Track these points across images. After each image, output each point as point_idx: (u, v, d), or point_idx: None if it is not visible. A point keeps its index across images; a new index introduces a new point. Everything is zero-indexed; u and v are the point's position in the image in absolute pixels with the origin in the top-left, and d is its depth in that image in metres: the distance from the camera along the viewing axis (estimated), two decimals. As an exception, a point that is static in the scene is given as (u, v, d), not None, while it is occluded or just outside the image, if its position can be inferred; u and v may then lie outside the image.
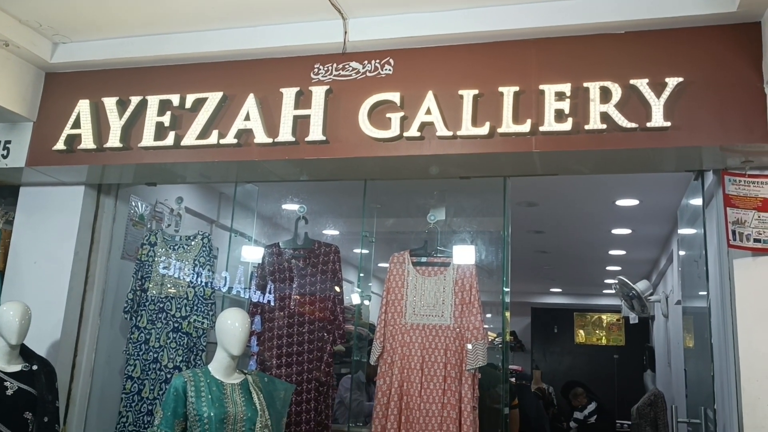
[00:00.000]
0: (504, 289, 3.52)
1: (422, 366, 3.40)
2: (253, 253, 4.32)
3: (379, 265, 4.12)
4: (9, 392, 3.12)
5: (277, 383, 3.17)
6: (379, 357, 3.48)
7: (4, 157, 3.67)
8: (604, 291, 9.17)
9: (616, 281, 6.92)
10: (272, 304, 3.74)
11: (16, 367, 3.22)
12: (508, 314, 3.52)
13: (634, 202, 5.02)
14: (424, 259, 3.59)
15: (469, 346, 3.37)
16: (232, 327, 3.01)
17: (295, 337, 3.65)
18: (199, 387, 2.92)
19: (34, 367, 3.25)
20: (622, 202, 5.05)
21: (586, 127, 2.92)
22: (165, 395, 2.94)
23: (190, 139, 3.41)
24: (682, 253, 4.49)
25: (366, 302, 4.65)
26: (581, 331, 9.91)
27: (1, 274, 3.84)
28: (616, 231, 5.96)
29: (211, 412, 2.84)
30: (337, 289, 3.71)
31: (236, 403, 2.93)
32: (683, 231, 4.23)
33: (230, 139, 3.34)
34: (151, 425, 3.64)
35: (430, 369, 3.39)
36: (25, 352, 3.30)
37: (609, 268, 7.68)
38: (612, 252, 6.88)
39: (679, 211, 4.27)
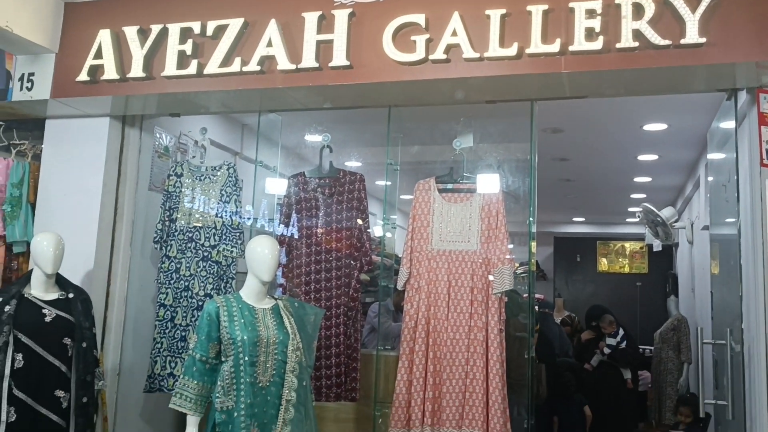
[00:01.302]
0: (530, 219, 3.49)
1: (449, 291, 3.44)
2: (277, 185, 4.33)
3: (402, 197, 4.11)
4: (48, 319, 3.22)
5: (307, 308, 3.23)
6: (406, 283, 3.53)
7: (29, 89, 3.68)
8: (628, 219, 9.12)
9: (641, 209, 6.87)
10: (298, 233, 3.78)
11: (53, 296, 3.31)
12: (534, 244, 3.52)
13: (662, 126, 4.93)
14: (450, 186, 3.58)
15: (495, 271, 3.39)
16: (261, 254, 3.04)
17: (323, 265, 3.69)
18: (231, 312, 2.98)
19: (70, 295, 3.34)
20: (649, 127, 4.96)
21: (618, 45, 2.84)
22: (199, 320, 3.02)
23: (212, 67, 3.38)
24: (710, 178, 4.43)
25: (388, 234, 4.68)
26: (604, 260, 9.93)
27: (32, 206, 3.90)
28: (642, 157, 5.88)
29: (244, 336, 2.91)
30: (363, 217, 3.72)
31: (268, 327, 2.99)
32: (712, 155, 4.16)
33: (253, 66, 3.30)
34: (185, 350, 3.76)
35: (457, 294, 3.43)
36: (60, 282, 3.38)
37: (633, 195, 7.61)
38: (637, 179, 6.80)
39: (708, 134, 4.18)
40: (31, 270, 3.34)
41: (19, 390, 3.08)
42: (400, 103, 3.57)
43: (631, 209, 8.30)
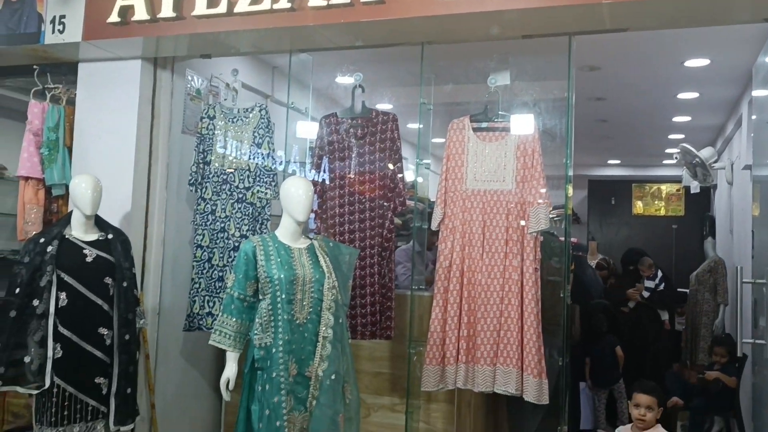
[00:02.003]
0: (567, 161, 3.41)
1: (483, 231, 3.42)
2: (309, 129, 4.30)
3: (435, 140, 4.05)
4: (89, 259, 3.29)
5: (342, 248, 3.24)
6: (440, 223, 3.51)
7: (60, 32, 3.68)
8: (665, 161, 8.92)
9: (679, 150, 6.71)
10: (331, 176, 3.77)
11: (93, 237, 3.38)
12: (570, 187, 3.46)
13: (703, 61, 4.75)
14: (484, 125, 3.52)
15: (531, 210, 3.35)
16: (295, 194, 3.06)
17: (356, 206, 3.69)
18: (267, 251, 3.01)
19: (109, 236, 3.40)
20: (690, 63, 4.79)
21: (661, -28, 2.71)
22: (236, 260, 3.06)
23: (242, 5, 3.33)
24: (753, 116, 4.28)
25: (420, 179, 4.63)
26: (639, 203, 9.77)
27: (69, 150, 3.95)
28: (682, 95, 5.70)
29: (281, 274, 2.95)
30: (396, 157, 3.69)
31: (304, 265, 3.02)
32: (757, 92, 4.00)
33: (283, 3, 3.24)
34: (223, 290, 3.83)
35: (492, 234, 3.41)
36: (99, 223, 3.44)
37: (672, 136, 7.42)
38: (676, 119, 6.62)
39: (753, 69, 4.02)
40: (71, 212, 3.40)
41: (65, 327, 3.18)
42: (433, 40, 3.49)
43: (668, 150, 8.12)
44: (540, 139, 3.41)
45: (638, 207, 9.78)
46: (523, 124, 3.47)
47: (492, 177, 3.44)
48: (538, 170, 3.38)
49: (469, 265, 3.43)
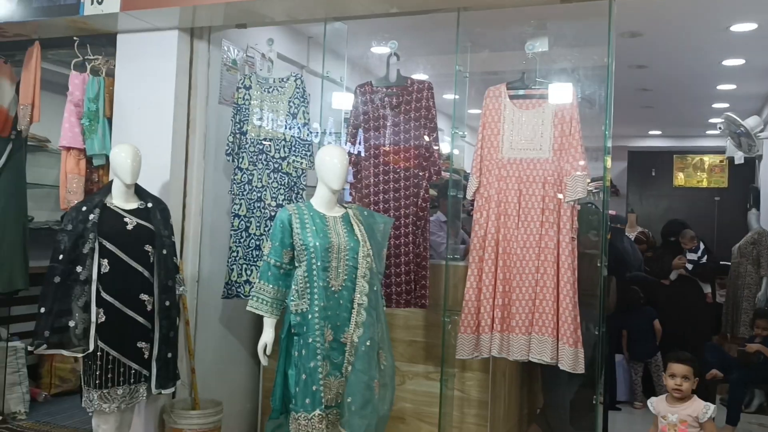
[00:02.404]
0: (606, 132, 3.34)
1: (519, 199, 3.39)
2: (344, 100, 4.30)
3: (471, 111, 4.01)
4: (129, 227, 3.36)
5: (376, 216, 3.25)
6: (475, 192, 3.49)
7: (99, 2, 3.72)
8: (708, 132, 8.69)
9: (723, 119, 6.54)
10: (366, 146, 3.76)
11: (133, 205, 3.44)
12: (609, 158, 3.39)
13: (750, 26, 4.59)
14: (521, 92, 3.47)
15: (568, 179, 3.30)
16: (330, 163, 3.07)
17: (391, 175, 3.69)
18: (303, 219, 3.03)
19: (149, 205, 3.46)
20: (737, 28, 4.63)
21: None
22: (272, 228, 3.09)
23: (277, -27, 3.32)
24: (802, 81, 4.14)
25: (456, 151, 4.59)
26: (680, 174, 9.55)
27: (109, 121, 4.01)
28: (727, 62, 5.53)
29: (316, 242, 2.97)
30: (431, 126, 3.66)
31: (339, 233, 3.04)
32: (807, 56, 3.87)
33: (318, -30, 3.22)
34: (260, 258, 3.87)
35: (528, 202, 3.37)
36: (139, 192, 3.51)
37: (715, 105, 7.22)
38: (720, 87, 6.42)
39: (804, 33, 3.89)
40: (112, 181, 3.47)
41: (107, 293, 3.26)
42: (469, 6, 3.44)
43: (712, 120, 7.91)
44: (578, 107, 3.35)
45: (679, 178, 9.56)
46: (561, 91, 3.41)
47: (528, 145, 3.40)
48: (576, 138, 3.32)
49: (504, 234, 3.41)
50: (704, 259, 5.92)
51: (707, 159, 9.43)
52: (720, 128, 6.93)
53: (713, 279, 6.09)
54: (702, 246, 5.95)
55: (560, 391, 4.40)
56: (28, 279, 4.46)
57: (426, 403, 4.04)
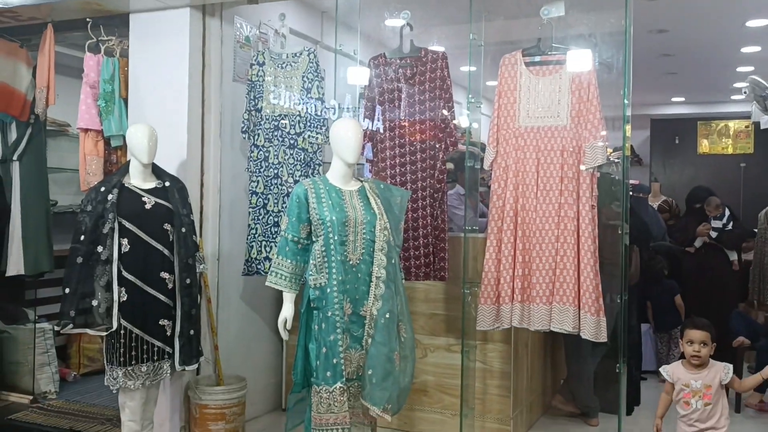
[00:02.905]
0: (625, 100, 3.26)
1: (537, 168, 3.34)
2: (358, 75, 4.26)
3: (488, 83, 3.94)
4: (148, 206, 3.37)
5: (393, 189, 3.23)
6: (492, 162, 3.45)
7: (111, -17, 3.71)
8: (732, 97, 8.50)
9: (747, 83, 6.37)
10: (380, 119, 3.73)
11: (151, 185, 3.46)
12: (628, 127, 3.32)
13: (775, -16, 4.46)
14: (537, 59, 3.40)
15: (587, 146, 3.25)
16: (345, 136, 3.05)
17: (407, 147, 3.66)
18: (319, 193, 3.02)
19: (167, 184, 3.48)
20: (761, -14, 4.51)
21: None
22: (288, 203, 3.09)
23: (286, -55, 3.28)
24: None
25: (475, 125, 4.51)
26: (705, 141, 9.37)
27: (125, 101, 4.02)
28: (751, 23, 5.38)
29: (333, 216, 2.96)
30: (446, 96, 3.62)
31: (355, 207, 3.03)
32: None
33: (328, -60, 3.18)
34: (279, 234, 3.88)
35: (546, 171, 3.33)
36: (157, 171, 3.52)
37: (740, 69, 7.04)
38: (745, 49, 6.26)
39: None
40: (129, 161, 3.49)
41: (128, 272, 3.29)
42: (483, -29, 3.37)
43: (736, 85, 7.73)
44: (596, 72, 3.28)
45: (704, 146, 9.39)
46: (578, 57, 3.34)
47: (546, 113, 3.35)
48: (594, 104, 3.26)
49: (523, 204, 3.37)
50: (729, 226, 5.80)
51: (732, 125, 9.23)
52: (745, 92, 6.74)
53: (739, 246, 5.98)
54: (727, 213, 5.83)
55: (583, 360, 4.38)
56: (53, 261, 4.53)
57: (448, 376, 4.05)
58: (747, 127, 9.01)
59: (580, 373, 4.42)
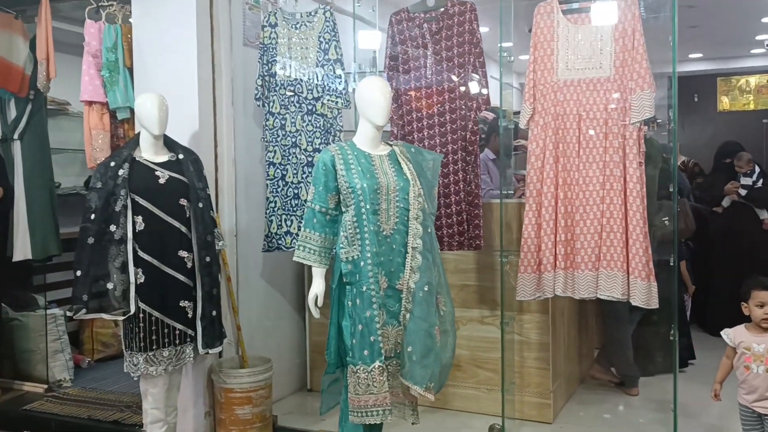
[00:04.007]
0: (673, 44, 3.02)
1: (579, 124, 3.11)
2: (375, 39, 4.02)
3: (520, 57, 3.68)
4: (162, 181, 3.15)
5: (424, 153, 3.00)
6: (529, 120, 3.21)
7: (109, -59, 3.44)
8: (753, 51, 8.20)
9: (772, 35, 6.11)
10: (406, 76, 3.49)
11: (164, 158, 3.23)
12: (674, 81, 3.13)
13: None
14: (575, 5, 3.15)
15: (634, 97, 3.01)
16: (372, 96, 2.80)
17: (436, 108, 3.42)
18: (347, 160, 2.79)
19: (180, 156, 3.25)
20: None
21: None
22: (314, 171, 2.85)
23: None
24: None
25: (510, 89, 4.26)
26: (725, 98, 9.08)
27: (130, 71, 3.77)
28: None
29: (364, 183, 2.74)
30: (476, 51, 3.36)
31: (387, 173, 2.80)
32: None
33: None
34: (299, 207, 3.67)
35: (589, 127, 3.09)
36: (169, 143, 3.29)
37: (765, 19, 6.75)
38: (772, -2, 5.98)
39: None
40: (139, 133, 3.26)
41: (144, 252, 3.08)
42: None
43: (759, 37, 7.45)
44: (641, 17, 3.02)
45: (724, 103, 9.09)
46: (621, 1, 3.08)
47: (587, 64, 3.10)
48: (639, 52, 3.02)
49: (564, 164, 3.14)
50: (759, 184, 5.55)
51: (753, 80, 8.92)
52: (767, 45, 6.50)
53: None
54: (758, 170, 5.58)
55: (622, 326, 4.20)
56: (61, 244, 4.33)
57: (482, 349, 3.86)
58: (770, 81, 8.73)
59: (618, 340, 4.23)
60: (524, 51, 3.32)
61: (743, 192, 5.45)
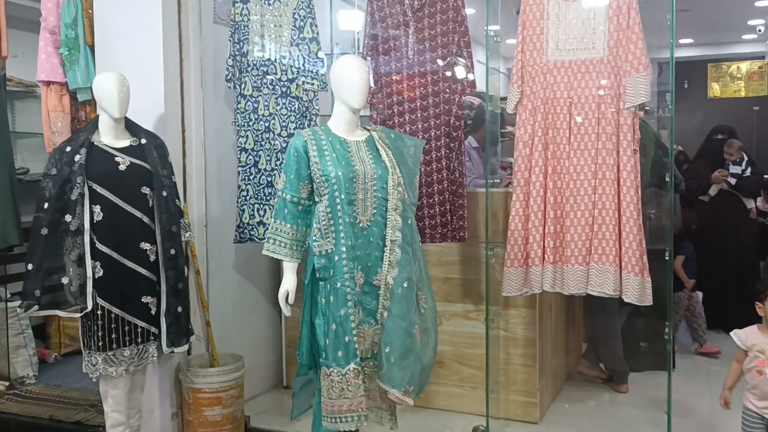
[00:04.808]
0: (671, 23, 2.83)
1: (570, 109, 2.91)
2: (356, 20, 3.82)
3: (507, 42, 3.47)
4: (122, 167, 2.92)
5: (405, 138, 2.79)
6: (517, 104, 3.01)
7: None
8: (744, 36, 8.05)
9: (764, 21, 5.94)
10: (386, 56, 3.27)
11: (125, 143, 3.00)
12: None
13: None
14: (567, -19, 2.94)
15: (629, 80, 2.82)
16: (348, 77, 2.58)
17: (417, 90, 3.21)
18: (321, 146, 2.58)
19: (143, 141, 3.02)
20: None
21: None
22: (285, 158, 2.64)
23: None
24: None
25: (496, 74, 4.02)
26: (715, 85, 8.94)
27: (92, 48, 3.53)
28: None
29: (338, 171, 2.53)
30: (461, 30, 3.15)
31: (364, 161, 2.59)
32: None
33: None
34: (273, 196, 3.46)
35: (580, 112, 2.90)
36: (130, 127, 3.06)
37: (759, 3, 6.57)
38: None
39: None
40: (98, 116, 3.02)
41: (102, 244, 2.86)
42: None
43: (751, 22, 7.28)
44: (636, -7, 2.82)
45: (714, 89, 8.95)
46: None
47: (579, 44, 2.90)
48: (635, 32, 2.82)
49: (554, 151, 2.95)
50: (747, 172, 5.39)
51: (745, 66, 8.78)
52: (760, 30, 6.34)
53: (759, 193, 5.59)
54: (746, 158, 5.41)
55: (610, 320, 4.04)
56: (22, 234, 4.08)
57: (466, 345, 3.68)
58: (761, 68, 8.57)
59: (606, 334, 4.08)
60: (512, 35, 3.12)
61: (732, 181, 5.28)
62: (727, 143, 5.33)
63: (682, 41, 8.70)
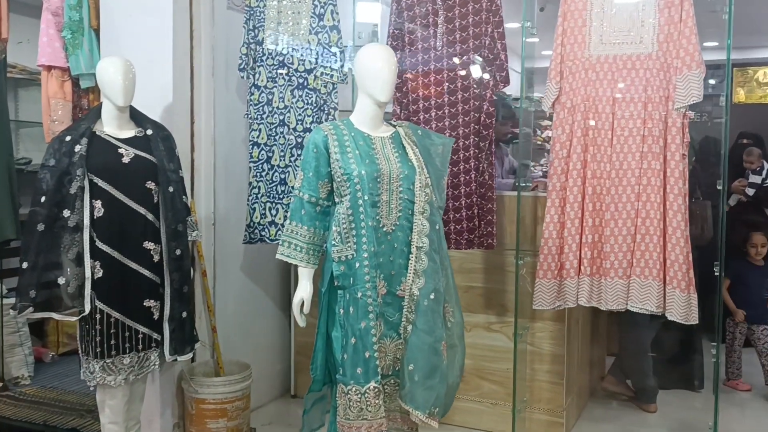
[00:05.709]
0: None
1: (613, 108, 2.69)
2: (375, 13, 3.62)
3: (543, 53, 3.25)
4: (126, 160, 2.70)
5: (433, 136, 2.57)
6: (554, 102, 2.78)
7: None
8: (771, 41, 7.79)
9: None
10: (413, 47, 3.05)
11: (129, 133, 2.78)
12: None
13: None
14: (613, -31, 2.72)
15: (680, 78, 2.59)
16: (375, 67, 2.36)
17: (446, 85, 2.98)
18: (342, 141, 2.36)
19: (149, 132, 2.80)
20: None
21: None
22: (303, 154, 2.42)
23: None
24: None
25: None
26: (741, 90, 8.66)
27: (96, 33, 3.31)
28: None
29: (362, 170, 2.30)
30: (495, 21, 2.92)
31: (389, 159, 2.37)
32: None
33: None
34: (286, 194, 3.25)
35: (625, 111, 2.67)
36: (136, 117, 2.84)
37: (790, 6, 6.32)
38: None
39: None
40: (100, 104, 2.80)
41: (103, 242, 2.64)
42: None
43: (781, 25, 7.02)
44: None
45: (740, 95, 8.68)
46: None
47: (624, 38, 2.67)
48: (689, 26, 2.60)
49: (593, 153, 2.72)
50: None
51: (771, 71, 8.52)
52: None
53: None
54: (767, 167, 5.19)
55: (640, 334, 3.80)
56: (20, 227, 3.87)
57: (488, 359, 3.46)
58: (788, 73, 8.31)
59: (635, 349, 3.86)
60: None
61: (750, 192, 5.05)
62: (747, 151, 5.12)
63: (707, 44, 8.45)
